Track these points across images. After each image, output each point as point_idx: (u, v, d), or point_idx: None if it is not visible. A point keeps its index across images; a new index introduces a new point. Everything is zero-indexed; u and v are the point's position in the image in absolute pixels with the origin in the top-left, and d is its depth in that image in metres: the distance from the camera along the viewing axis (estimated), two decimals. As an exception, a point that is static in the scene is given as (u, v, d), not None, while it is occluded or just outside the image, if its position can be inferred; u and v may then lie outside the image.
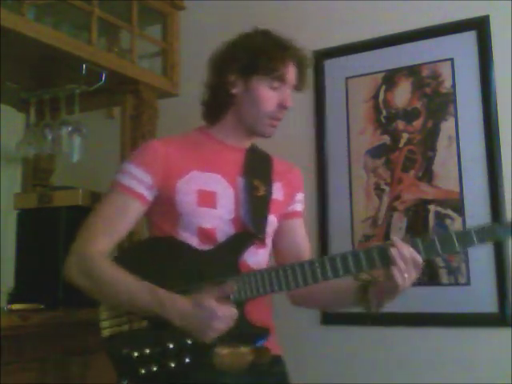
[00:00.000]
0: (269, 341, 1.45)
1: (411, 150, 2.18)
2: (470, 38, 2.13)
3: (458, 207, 2.07)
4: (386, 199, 2.20)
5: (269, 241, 1.54)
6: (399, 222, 2.15)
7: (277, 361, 1.50)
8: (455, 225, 2.07)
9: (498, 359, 1.95)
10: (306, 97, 2.39)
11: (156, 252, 1.43)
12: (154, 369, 1.35)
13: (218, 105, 1.55)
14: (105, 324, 1.41)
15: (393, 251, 1.32)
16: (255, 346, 1.40)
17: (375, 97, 2.27)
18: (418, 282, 2.08)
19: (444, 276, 2.07)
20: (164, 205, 1.45)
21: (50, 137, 2.26)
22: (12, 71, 2.14)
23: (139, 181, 1.43)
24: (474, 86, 2.10)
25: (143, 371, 1.35)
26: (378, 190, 2.22)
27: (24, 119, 2.52)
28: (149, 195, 1.44)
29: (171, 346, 1.34)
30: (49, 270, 2.05)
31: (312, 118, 2.37)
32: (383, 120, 2.25)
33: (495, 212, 2.01)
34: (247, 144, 1.58)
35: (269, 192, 1.51)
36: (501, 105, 2.05)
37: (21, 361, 1.69)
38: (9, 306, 1.88)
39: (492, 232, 1.34)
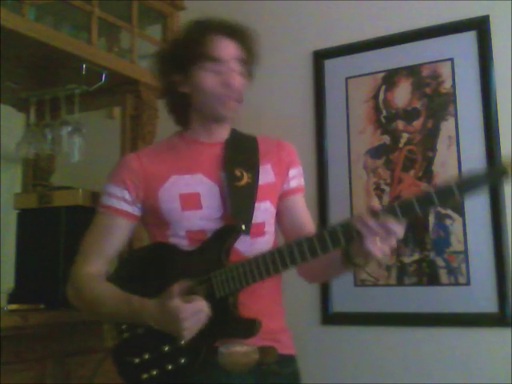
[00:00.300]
0: (278, 340, 1.45)
1: (411, 150, 2.18)
2: (470, 38, 2.13)
3: (458, 207, 2.07)
4: (385, 199, 2.20)
5: (269, 227, 1.50)
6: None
7: (287, 360, 1.48)
8: (455, 225, 2.07)
9: (498, 359, 1.95)
10: (306, 97, 2.40)
11: (146, 259, 1.47)
12: (154, 373, 1.37)
13: (177, 108, 1.54)
14: (107, 335, 1.46)
15: (357, 224, 1.25)
16: (260, 345, 1.39)
17: (375, 97, 2.27)
18: (418, 282, 2.10)
19: (444, 276, 2.07)
20: (151, 215, 1.47)
21: (49, 137, 2.26)
22: (12, 71, 2.14)
23: (119, 198, 1.46)
24: (474, 86, 2.10)
25: (145, 376, 1.38)
26: (378, 190, 2.22)
27: (24, 119, 2.52)
28: (133, 210, 1.47)
29: (166, 348, 1.36)
30: (49, 270, 2.05)
31: (312, 117, 2.37)
32: (383, 120, 2.25)
33: (495, 212, 2.01)
34: (224, 135, 1.54)
35: (254, 179, 1.47)
36: (501, 105, 2.05)
37: (21, 361, 1.69)
38: (9, 306, 1.88)
39: (476, 182, 1.21)
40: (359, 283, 2.18)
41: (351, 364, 2.16)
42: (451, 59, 2.15)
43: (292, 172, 1.56)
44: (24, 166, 2.57)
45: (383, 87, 2.26)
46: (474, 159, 2.07)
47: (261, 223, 1.47)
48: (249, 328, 1.35)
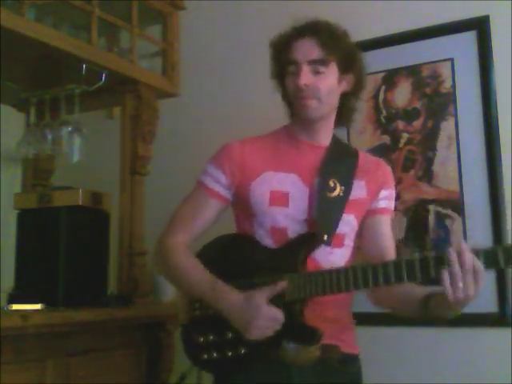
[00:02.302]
0: (342, 339, 1.47)
1: (411, 150, 2.18)
2: (470, 38, 2.13)
3: (458, 207, 2.07)
4: (386, 199, 2.19)
5: (348, 241, 1.52)
6: (399, 222, 2.15)
7: (350, 359, 1.50)
8: (455, 225, 2.07)
9: (498, 359, 1.95)
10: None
11: (229, 248, 1.53)
12: (215, 355, 1.43)
13: (285, 102, 1.58)
14: (182, 309, 1.53)
15: (451, 254, 1.23)
16: (323, 343, 1.39)
17: (375, 97, 2.27)
18: (418, 282, 2.10)
19: (444, 276, 2.07)
20: (241, 203, 1.52)
21: (49, 137, 2.25)
22: (12, 71, 2.14)
23: (216, 180, 1.52)
24: (474, 86, 2.10)
25: (205, 356, 1.44)
26: (378, 190, 2.21)
27: (24, 119, 2.51)
28: (226, 194, 1.53)
29: (230, 335, 1.41)
30: (49, 270, 2.05)
31: (312, 117, 2.36)
32: (383, 120, 2.25)
33: (495, 212, 2.01)
34: (326, 140, 1.56)
35: (346, 192, 1.49)
36: (501, 105, 2.06)
37: (21, 361, 1.69)
38: (9, 306, 1.88)
39: None
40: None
41: (351, 364, 2.16)
42: (451, 59, 2.15)
43: (383, 193, 1.57)
44: (24, 166, 2.57)
45: (383, 87, 2.26)
46: (474, 159, 2.07)
47: (341, 235, 1.49)
48: (310, 337, 1.36)
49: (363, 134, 2.27)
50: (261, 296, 1.34)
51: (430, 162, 2.15)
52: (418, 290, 1.40)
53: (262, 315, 1.32)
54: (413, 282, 1.33)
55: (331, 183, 1.48)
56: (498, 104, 2.06)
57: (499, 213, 2.00)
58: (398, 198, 2.16)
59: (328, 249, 1.45)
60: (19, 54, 1.99)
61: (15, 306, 1.88)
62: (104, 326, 1.95)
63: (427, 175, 2.14)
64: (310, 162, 1.52)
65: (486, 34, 2.10)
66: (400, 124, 2.22)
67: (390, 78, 2.25)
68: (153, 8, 2.34)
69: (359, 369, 1.53)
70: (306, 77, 1.45)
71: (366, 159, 1.60)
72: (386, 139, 2.23)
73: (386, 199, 1.58)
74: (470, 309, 2.01)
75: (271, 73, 1.57)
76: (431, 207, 2.12)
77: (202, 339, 1.45)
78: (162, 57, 2.40)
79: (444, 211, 2.09)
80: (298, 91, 1.47)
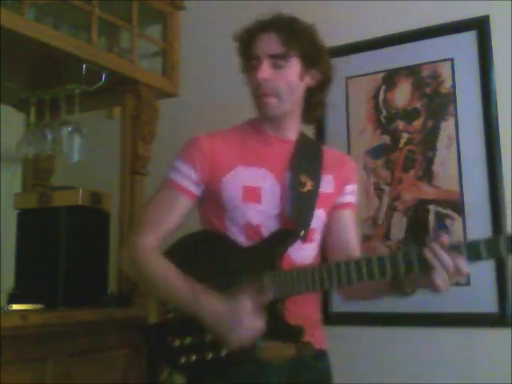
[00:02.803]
0: (313, 335, 1.46)
1: (411, 150, 2.18)
2: (470, 38, 2.13)
3: (458, 207, 2.07)
4: (385, 199, 2.20)
5: (317, 235, 1.52)
6: (399, 222, 2.15)
7: (321, 355, 1.50)
8: (455, 225, 2.07)
9: (498, 359, 1.95)
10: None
11: (201, 246, 1.48)
12: (193, 358, 1.38)
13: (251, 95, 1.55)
14: (152, 311, 1.47)
15: (429, 256, 1.26)
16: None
17: (375, 97, 2.27)
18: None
19: (444, 276, 2.07)
20: (211, 199, 1.48)
21: (49, 137, 2.25)
22: (12, 71, 2.14)
23: (185, 176, 1.47)
24: (474, 86, 2.10)
25: (183, 360, 1.39)
26: (378, 190, 2.22)
27: (24, 119, 2.51)
28: (195, 190, 1.48)
29: (209, 337, 1.37)
30: (49, 270, 2.05)
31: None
32: (383, 120, 2.25)
33: (495, 212, 2.01)
34: (292, 134, 1.55)
35: (316, 186, 1.48)
36: (501, 105, 2.05)
37: (21, 361, 1.69)
38: (9, 306, 1.88)
39: None
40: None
41: (351, 364, 2.16)
42: (451, 59, 2.15)
43: (348, 188, 1.57)
44: (24, 166, 2.57)
45: (383, 87, 2.26)
46: (474, 159, 2.07)
47: (312, 229, 1.48)
48: (294, 334, 1.36)
49: (363, 134, 2.27)
50: (245, 308, 1.30)
51: (430, 162, 2.15)
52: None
53: (243, 327, 1.29)
54: (395, 277, 1.33)
55: (302, 178, 1.47)
56: (498, 104, 2.06)
57: (499, 213, 2.00)
58: (398, 197, 2.17)
59: (300, 244, 1.44)
60: (19, 53, 1.99)
61: (15, 306, 1.88)
62: (104, 326, 1.95)
63: (427, 175, 2.14)
64: (279, 156, 1.50)
65: (486, 34, 2.10)
66: (400, 124, 2.22)
67: (390, 77, 2.25)
68: (153, 8, 2.34)
69: (329, 365, 1.52)
70: (264, 71, 1.43)
71: (331, 154, 1.59)
72: (386, 139, 2.23)
73: (351, 194, 1.58)
74: (470, 309, 2.02)
75: (241, 67, 1.54)
76: (431, 207, 2.12)
77: (178, 342, 1.40)
78: (162, 57, 2.40)
79: (444, 211, 2.09)
80: (257, 87, 1.45)
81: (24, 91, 2.30)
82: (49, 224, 2.10)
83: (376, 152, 2.24)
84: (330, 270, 1.34)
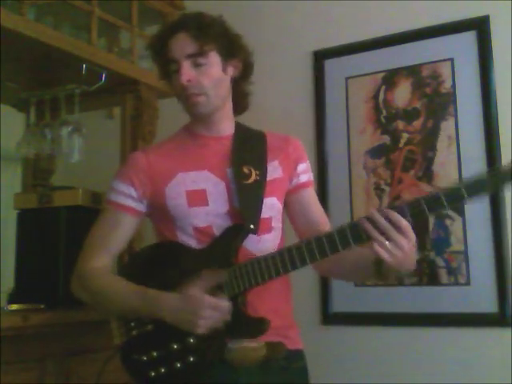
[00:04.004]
0: (287, 335, 1.45)
1: (411, 150, 2.18)
2: (470, 38, 2.13)
3: (458, 207, 2.07)
4: (385, 199, 2.20)
5: (276, 223, 1.50)
6: (399, 222, 2.15)
7: (296, 355, 1.48)
8: (455, 225, 2.07)
9: (498, 359, 1.95)
10: (306, 97, 2.40)
11: (155, 257, 1.47)
12: (162, 370, 1.38)
13: (178, 99, 1.54)
14: (115, 332, 1.46)
15: (364, 224, 1.25)
16: (268, 341, 1.39)
17: (375, 97, 2.27)
18: (418, 283, 2.10)
19: (444, 276, 2.07)
20: (158, 211, 1.47)
21: (49, 137, 2.25)
22: (12, 71, 2.14)
23: (125, 195, 1.47)
24: (474, 86, 2.10)
25: (153, 374, 1.38)
26: (378, 190, 2.22)
27: (24, 119, 2.51)
28: (138, 207, 1.48)
29: (175, 346, 1.36)
30: (49, 270, 2.04)
31: (312, 118, 2.37)
32: (383, 120, 2.25)
33: (495, 212, 2.01)
34: (228, 129, 1.53)
35: (262, 175, 1.46)
36: (501, 105, 2.06)
37: (21, 361, 1.69)
38: (9, 306, 1.88)
39: (484, 185, 1.21)
40: (359, 283, 2.18)
41: (351, 364, 2.16)
42: (451, 59, 2.15)
43: (300, 167, 1.55)
44: (24, 166, 2.57)
45: (383, 87, 2.26)
46: (474, 159, 2.07)
47: (267, 218, 1.47)
48: (257, 327, 1.35)
49: (363, 134, 2.27)
50: (195, 288, 1.30)
51: (430, 161, 2.15)
52: (368, 252, 1.34)
53: (203, 305, 1.27)
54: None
55: (245, 170, 1.46)
56: (497, 104, 2.06)
57: (499, 213, 2.00)
58: (398, 198, 2.17)
59: (256, 236, 1.43)
60: (19, 53, 1.99)
61: (15, 306, 1.88)
62: (104, 326, 1.94)
63: (427, 175, 2.14)
64: (217, 154, 1.49)
65: (486, 34, 2.10)
66: (400, 124, 2.22)
67: (390, 77, 2.25)
68: (153, 8, 2.34)
69: (304, 365, 1.51)
70: (186, 73, 1.42)
71: (274, 138, 1.56)
72: (386, 139, 2.23)
73: (305, 172, 1.56)
74: (469, 309, 2.02)
75: (159, 74, 1.54)
76: (431, 207, 2.12)
77: (145, 357, 1.39)
78: (162, 57, 2.40)
79: (444, 211, 2.09)
80: (183, 90, 1.44)
81: (24, 91, 2.30)
82: (49, 224, 2.10)
83: (376, 152, 2.24)
84: (282, 255, 1.33)
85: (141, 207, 1.48)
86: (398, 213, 1.24)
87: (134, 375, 1.44)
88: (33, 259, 2.10)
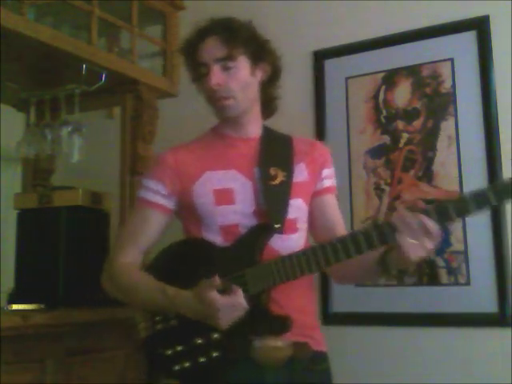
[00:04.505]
0: (311, 336, 1.47)
1: (411, 150, 2.18)
2: (470, 38, 2.13)
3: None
4: (385, 199, 2.20)
5: (301, 224, 1.52)
6: (399, 222, 2.15)
7: (320, 357, 1.50)
8: (455, 225, 2.07)
9: (498, 359, 1.95)
10: (306, 97, 2.40)
11: (182, 254, 1.50)
12: (187, 365, 1.40)
13: (207, 102, 1.57)
14: (141, 326, 1.49)
15: (394, 218, 1.27)
16: (294, 340, 1.41)
17: (375, 97, 2.27)
18: (418, 283, 2.10)
19: (444, 276, 2.07)
20: (186, 209, 1.51)
21: (49, 137, 2.25)
22: (12, 71, 2.14)
23: (154, 192, 1.51)
24: (474, 86, 2.10)
25: (177, 368, 1.41)
26: (378, 190, 2.22)
27: (24, 119, 2.51)
28: (167, 204, 1.51)
29: (199, 341, 1.39)
30: (49, 270, 2.05)
31: (312, 118, 2.37)
32: (383, 120, 2.25)
33: (495, 212, 2.01)
34: (256, 131, 1.56)
35: (289, 177, 1.49)
36: (501, 105, 2.06)
37: (21, 361, 1.69)
38: (9, 306, 1.88)
39: (507, 191, 1.23)
40: (359, 283, 2.18)
41: (351, 364, 2.16)
42: (451, 59, 2.15)
43: (325, 172, 1.58)
44: (24, 166, 2.57)
45: (383, 87, 2.26)
46: (474, 159, 2.07)
47: (293, 219, 1.49)
48: (281, 325, 1.37)
49: (363, 134, 2.27)
50: (209, 289, 1.31)
51: (430, 161, 2.15)
52: (369, 255, 1.38)
53: (217, 307, 1.29)
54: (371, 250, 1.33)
55: (272, 171, 1.48)
56: (498, 104, 2.06)
57: (499, 213, 2.00)
58: (398, 197, 2.17)
59: (283, 236, 1.45)
60: (19, 53, 1.99)
61: (15, 306, 1.88)
62: (104, 326, 1.95)
63: (427, 175, 2.14)
64: (245, 155, 1.52)
65: (486, 34, 2.10)
66: (400, 124, 2.22)
67: (390, 77, 2.25)
68: (153, 8, 2.34)
69: (328, 367, 1.52)
70: (216, 76, 1.46)
71: (301, 142, 1.59)
72: (386, 139, 2.23)
73: (329, 178, 1.58)
74: (470, 309, 2.02)
75: (190, 77, 1.57)
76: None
77: (169, 352, 1.42)
78: (162, 57, 2.40)
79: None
80: (212, 92, 1.48)
81: (24, 91, 2.30)
82: (49, 224, 2.10)
83: (376, 152, 2.24)
84: (307, 255, 1.35)
85: (170, 204, 1.52)
86: (426, 215, 1.25)
87: (158, 369, 1.47)
88: (33, 259, 2.10)
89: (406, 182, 2.17)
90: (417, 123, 2.19)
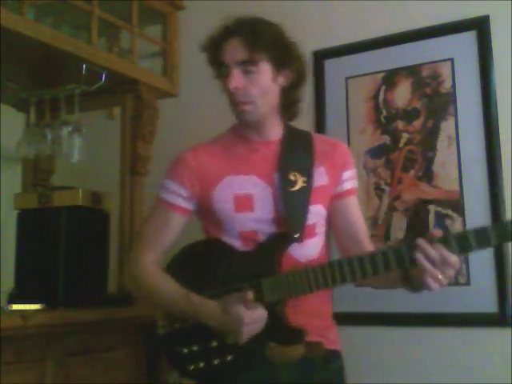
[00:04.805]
0: (325, 335, 1.48)
1: (411, 150, 2.18)
2: (470, 38, 2.13)
3: (458, 207, 2.07)
4: (385, 199, 2.20)
5: (319, 228, 1.52)
6: (399, 222, 2.15)
7: (333, 356, 1.50)
8: (455, 225, 2.06)
9: (498, 359, 1.95)
10: (307, 97, 2.39)
11: (202, 255, 1.51)
12: (201, 365, 1.42)
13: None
14: (159, 323, 1.50)
15: (418, 256, 1.26)
16: (308, 340, 1.41)
17: (375, 97, 2.27)
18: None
19: (444, 276, 2.07)
20: (205, 212, 1.52)
21: (49, 137, 2.25)
22: (12, 71, 2.14)
23: (176, 194, 1.51)
24: (474, 86, 2.10)
25: (192, 367, 1.43)
26: (378, 190, 2.21)
27: (24, 119, 2.51)
28: (188, 206, 1.52)
29: (214, 343, 1.40)
30: (49, 270, 2.05)
31: (312, 118, 2.37)
32: (383, 120, 2.25)
33: (495, 212, 2.01)
34: (277, 133, 1.55)
35: (309, 182, 1.48)
36: (501, 105, 2.05)
37: (21, 361, 1.69)
38: (9, 306, 1.88)
39: None
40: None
41: (351, 364, 2.15)
42: (451, 59, 2.15)
43: (346, 174, 1.56)
44: (24, 166, 2.57)
45: (383, 87, 2.26)
46: (474, 159, 2.07)
47: (312, 225, 1.49)
48: (295, 337, 1.38)
49: (363, 134, 2.27)
50: (236, 303, 1.32)
51: (430, 161, 2.15)
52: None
53: (243, 322, 1.30)
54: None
55: (292, 177, 1.47)
56: (497, 104, 2.06)
57: (499, 213, 2.00)
58: (398, 197, 2.17)
59: (301, 241, 1.45)
60: (19, 53, 1.99)
61: (15, 306, 1.88)
62: (104, 326, 1.95)
63: (427, 175, 2.14)
64: (265, 159, 1.50)
65: (486, 34, 2.09)
66: (400, 124, 2.22)
67: (390, 77, 2.25)
68: (153, 8, 2.34)
69: (342, 365, 1.53)
70: (235, 80, 1.43)
71: (322, 143, 1.57)
72: (386, 139, 2.23)
73: (350, 180, 1.56)
74: (470, 309, 2.02)
75: (213, 74, 1.55)
76: (431, 207, 2.12)
77: (186, 350, 1.44)
78: (162, 57, 2.40)
79: (444, 211, 2.09)
80: (231, 96, 1.46)
81: (24, 91, 2.30)
82: (49, 224, 2.10)
83: (376, 152, 2.24)
84: (324, 271, 1.35)
85: (190, 206, 1.52)
86: (446, 245, 1.25)
87: (174, 366, 1.49)
88: (33, 259, 2.10)
89: (405, 182, 2.17)
90: (417, 123, 2.19)
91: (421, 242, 1.26)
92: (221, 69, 1.48)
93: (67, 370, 1.82)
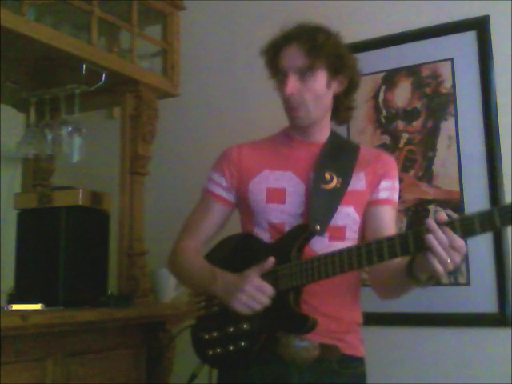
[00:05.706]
0: (343, 339, 1.47)
1: (411, 150, 2.18)
2: (470, 38, 2.13)
3: (458, 207, 2.07)
4: (386, 199, 2.19)
5: (351, 233, 1.52)
6: (399, 222, 2.15)
7: (351, 361, 1.49)
8: (455, 225, 2.06)
9: (498, 359, 1.95)
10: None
11: (233, 248, 1.58)
12: (218, 351, 1.46)
13: None
14: (193, 308, 1.57)
15: (430, 239, 1.21)
16: (322, 342, 1.42)
17: (375, 97, 2.27)
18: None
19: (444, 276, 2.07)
20: (242, 203, 1.58)
21: (49, 137, 2.25)
22: (12, 71, 2.14)
23: (217, 184, 1.60)
24: (474, 86, 2.10)
25: (211, 352, 1.48)
26: (378, 190, 2.21)
27: (24, 119, 2.51)
28: (228, 196, 1.60)
29: (231, 329, 1.44)
30: (49, 270, 2.05)
31: (312, 117, 2.36)
32: (383, 120, 2.25)
33: (495, 212, 2.01)
34: (323, 137, 1.58)
35: (344, 183, 1.49)
36: (501, 105, 2.05)
37: (21, 361, 1.69)
38: (9, 306, 1.88)
39: None
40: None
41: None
42: (451, 59, 2.15)
43: (384, 184, 1.55)
44: (24, 166, 2.57)
45: (383, 87, 2.26)
46: (474, 159, 2.07)
47: (341, 227, 1.49)
48: (303, 325, 1.38)
49: (363, 134, 2.27)
50: (251, 270, 1.39)
51: (430, 161, 2.15)
52: (398, 264, 1.37)
53: (248, 283, 1.35)
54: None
55: (327, 176, 1.50)
56: (497, 104, 2.06)
57: (499, 213, 2.00)
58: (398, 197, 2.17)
59: (327, 242, 1.47)
60: (19, 53, 1.99)
61: (15, 306, 1.88)
62: (104, 326, 1.95)
63: (427, 175, 2.14)
64: (305, 159, 1.55)
65: (486, 34, 2.09)
66: (400, 124, 2.22)
67: (390, 77, 2.25)
68: (153, 8, 2.34)
69: (361, 372, 1.51)
70: (291, 86, 1.47)
71: (367, 152, 1.61)
72: (386, 139, 2.23)
73: (387, 190, 1.56)
74: (470, 309, 2.02)
75: (269, 74, 1.59)
76: (431, 207, 2.12)
77: (206, 336, 1.49)
78: (162, 57, 2.40)
79: (444, 211, 2.09)
80: (285, 101, 1.51)
81: (24, 91, 2.30)
82: (49, 224, 2.10)
83: (376, 152, 2.24)
84: (334, 258, 1.35)
85: (230, 197, 1.60)
86: (452, 228, 1.22)
87: (196, 351, 1.53)
88: (33, 259, 2.10)
89: (406, 182, 2.17)
90: (417, 123, 2.19)
91: (431, 222, 1.22)
92: (277, 73, 1.52)
93: (67, 370, 1.82)
